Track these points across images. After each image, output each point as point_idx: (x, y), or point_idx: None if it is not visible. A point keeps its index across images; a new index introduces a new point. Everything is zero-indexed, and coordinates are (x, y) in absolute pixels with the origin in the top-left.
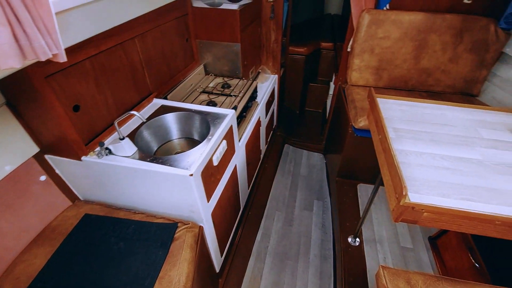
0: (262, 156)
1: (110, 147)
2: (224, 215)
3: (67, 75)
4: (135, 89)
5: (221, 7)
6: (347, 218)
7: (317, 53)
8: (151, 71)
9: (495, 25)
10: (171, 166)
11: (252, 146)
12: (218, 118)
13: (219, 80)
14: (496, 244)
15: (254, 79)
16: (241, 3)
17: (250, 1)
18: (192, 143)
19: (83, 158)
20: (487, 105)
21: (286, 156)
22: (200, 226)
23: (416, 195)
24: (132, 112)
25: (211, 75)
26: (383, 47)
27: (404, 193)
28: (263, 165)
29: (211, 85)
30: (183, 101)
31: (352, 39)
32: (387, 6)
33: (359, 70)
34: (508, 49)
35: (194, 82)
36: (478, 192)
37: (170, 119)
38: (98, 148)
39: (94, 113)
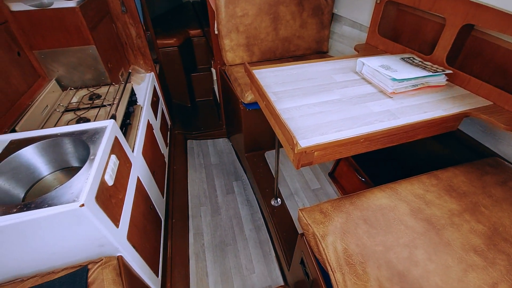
0: (167, 160)
1: None
2: (144, 234)
3: None
4: None
5: (53, 6)
6: (265, 185)
7: (188, 42)
8: None
9: None
10: (51, 205)
11: (151, 152)
12: (96, 133)
13: (83, 92)
14: (371, 160)
15: (127, 81)
16: None
17: None
18: (73, 172)
19: None
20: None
21: (192, 152)
22: (118, 256)
23: (305, 141)
24: None
25: (71, 89)
26: (245, 24)
27: (295, 142)
28: (171, 168)
29: (74, 100)
30: (42, 128)
31: (216, 22)
32: None
33: (232, 50)
34: (336, 9)
35: (49, 103)
36: (344, 122)
37: (30, 153)
38: None
39: None
